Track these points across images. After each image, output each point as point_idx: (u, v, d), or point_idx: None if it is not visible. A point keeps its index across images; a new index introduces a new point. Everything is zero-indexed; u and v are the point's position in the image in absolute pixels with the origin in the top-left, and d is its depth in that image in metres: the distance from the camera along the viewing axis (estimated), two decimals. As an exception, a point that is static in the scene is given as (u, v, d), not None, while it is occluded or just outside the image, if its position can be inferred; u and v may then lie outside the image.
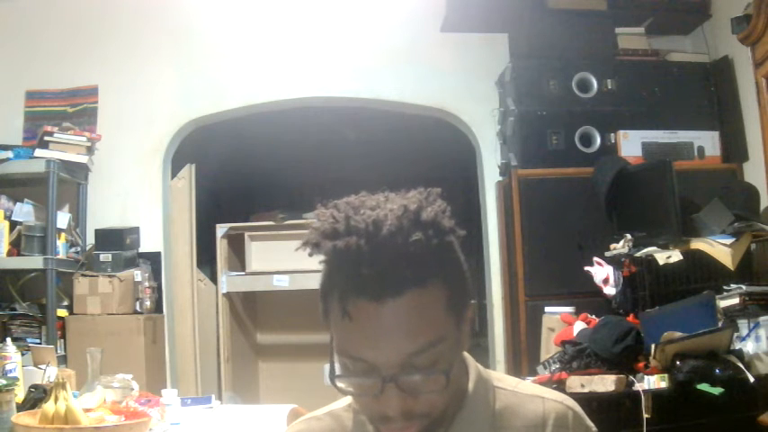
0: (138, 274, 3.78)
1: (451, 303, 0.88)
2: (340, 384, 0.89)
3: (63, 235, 3.73)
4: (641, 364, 2.73)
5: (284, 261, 4.72)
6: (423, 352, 0.85)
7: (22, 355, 2.60)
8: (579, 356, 2.80)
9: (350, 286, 0.84)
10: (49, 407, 2.02)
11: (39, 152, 3.65)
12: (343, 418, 1.03)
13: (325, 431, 1.04)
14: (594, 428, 1.03)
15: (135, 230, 3.96)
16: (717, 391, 2.51)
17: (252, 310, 5.44)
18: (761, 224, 3.10)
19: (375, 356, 0.85)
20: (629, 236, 3.24)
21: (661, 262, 3.02)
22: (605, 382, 2.61)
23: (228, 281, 4.93)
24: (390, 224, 0.84)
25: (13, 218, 3.62)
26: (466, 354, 1.00)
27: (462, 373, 0.99)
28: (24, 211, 3.66)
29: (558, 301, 3.32)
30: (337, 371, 0.89)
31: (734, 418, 2.54)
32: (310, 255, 0.88)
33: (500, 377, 1.04)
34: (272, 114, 4.41)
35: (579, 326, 3.02)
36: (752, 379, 2.58)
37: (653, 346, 2.70)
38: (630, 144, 3.63)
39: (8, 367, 2.44)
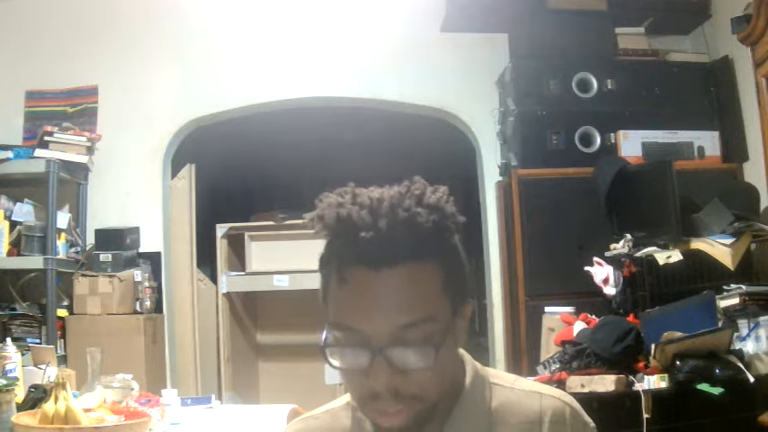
0: (138, 274, 3.78)
1: (447, 287, 0.90)
2: (331, 358, 0.89)
3: (63, 235, 3.73)
4: (641, 364, 2.73)
5: (284, 261, 4.72)
6: (414, 326, 0.86)
7: (22, 355, 2.59)
8: (579, 356, 2.79)
9: (348, 253, 0.87)
10: (48, 407, 2.02)
11: (39, 152, 3.65)
12: (341, 416, 1.03)
13: (323, 429, 1.04)
14: (592, 424, 1.03)
15: (135, 230, 3.96)
16: (717, 391, 2.50)
17: (252, 310, 5.44)
18: (761, 224, 3.10)
19: (367, 326, 0.86)
20: (629, 236, 3.24)
21: (661, 262, 3.02)
22: (605, 382, 2.61)
23: (228, 281, 4.93)
24: (393, 198, 0.88)
25: (13, 218, 3.62)
26: (463, 351, 1.01)
27: (459, 369, 0.99)
28: (24, 211, 3.66)
29: (558, 301, 3.31)
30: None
31: (734, 418, 2.54)
32: (315, 232, 0.90)
33: (497, 374, 1.05)
34: (272, 114, 4.41)
35: (579, 326, 3.02)
36: (752, 379, 2.58)
37: (653, 346, 2.70)
38: (630, 144, 3.63)
39: (8, 367, 2.44)
